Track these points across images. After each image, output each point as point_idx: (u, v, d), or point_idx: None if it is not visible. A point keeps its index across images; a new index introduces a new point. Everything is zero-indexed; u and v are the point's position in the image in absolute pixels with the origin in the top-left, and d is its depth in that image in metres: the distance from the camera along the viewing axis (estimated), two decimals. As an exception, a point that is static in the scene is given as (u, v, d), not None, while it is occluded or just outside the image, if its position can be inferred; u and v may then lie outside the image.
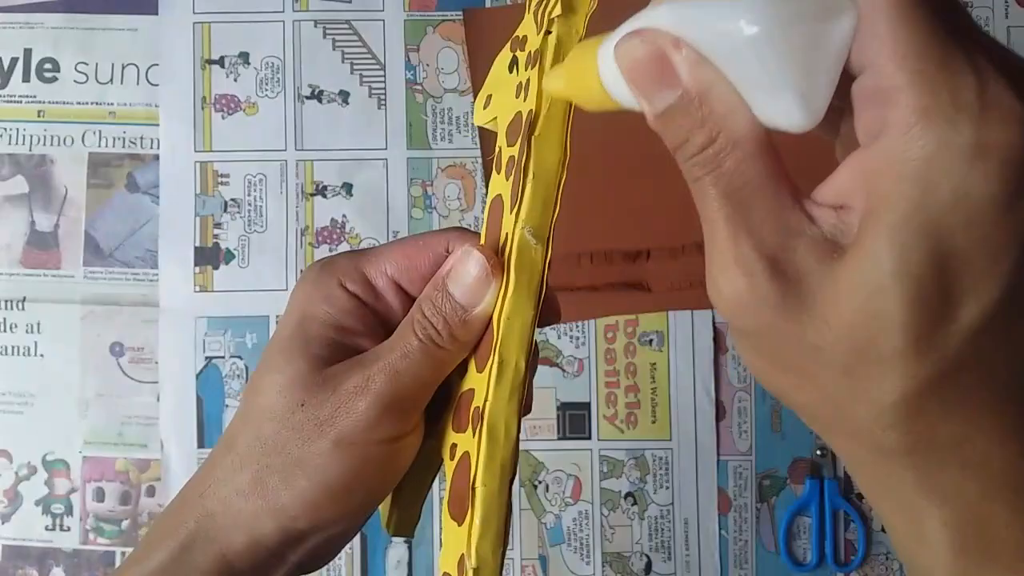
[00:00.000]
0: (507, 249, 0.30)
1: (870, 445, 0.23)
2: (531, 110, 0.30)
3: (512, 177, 0.31)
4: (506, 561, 0.60)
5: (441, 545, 0.31)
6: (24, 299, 0.61)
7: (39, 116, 0.62)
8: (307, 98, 0.62)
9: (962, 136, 0.19)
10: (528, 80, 0.30)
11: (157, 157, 0.62)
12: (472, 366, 0.32)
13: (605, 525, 0.60)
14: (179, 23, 0.62)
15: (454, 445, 0.32)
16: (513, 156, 0.31)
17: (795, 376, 0.24)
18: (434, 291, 0.31)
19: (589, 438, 0.61)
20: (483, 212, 0.33)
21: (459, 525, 0.30)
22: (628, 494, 0.61)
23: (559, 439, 0.61)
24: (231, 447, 0.32)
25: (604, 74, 0.25)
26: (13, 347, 0.61)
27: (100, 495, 0.61)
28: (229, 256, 0.62)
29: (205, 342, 0.61)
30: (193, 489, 0.33)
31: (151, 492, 0.61)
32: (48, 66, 0.63)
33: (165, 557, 0.32)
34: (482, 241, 0.32)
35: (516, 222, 0.30)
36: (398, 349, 0.31)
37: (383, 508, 0.38)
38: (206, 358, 0.61)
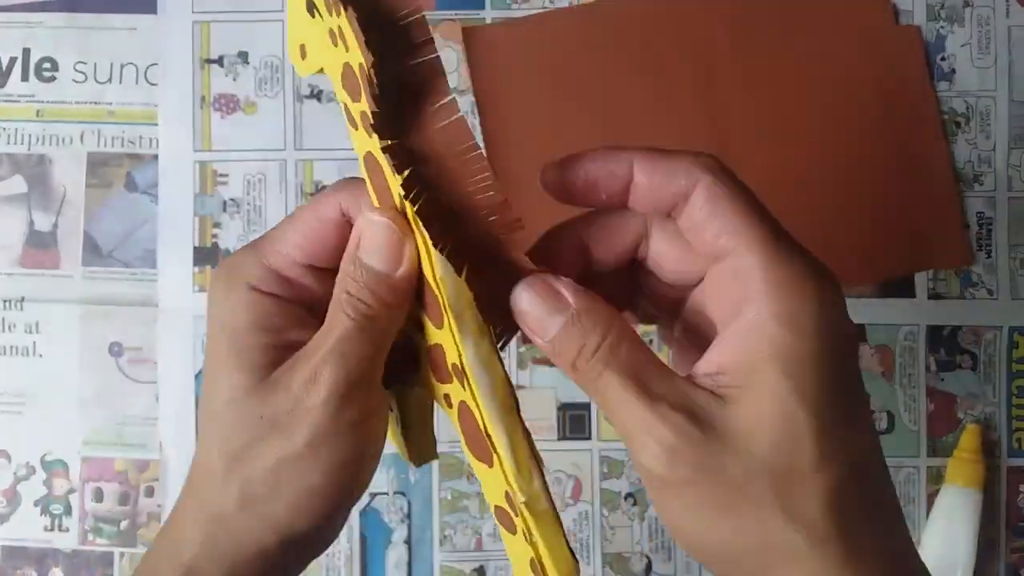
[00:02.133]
0: (403, 205, 0.29)
1: (811, 561, 0.27)
2: (361, 63, 0.27)
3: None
4: (506, 562, 0.61)
5: (480, 483, 0.32)
6: (23, 299, 0.61)
7: (38, 115, 0.62)
8: (306, 98, 0.62)
9: (810, 295, 0.28)
10: (340, 27, 0.28)
11: (156, 157, 0.62)
12: (428, 324, 0.31)
13: (605, 525, 0.60)
14: (178, 22, 0.62)
15: (447, 395, 0.32)
16: (364, 111, 0.28)
17: (723, 516, 0.28)
18: (351, 267, 0.31)
19: (589, 438, 0.61)
20: (360, 170, 0.31)
21: (489, 467, 0.30)
22: (628, 494, 0.60)
23: (559, 439, 0.61)
24: (208, 468, 0.32)
25: None
26: (11, 347, 0.61)
27: (99, 495, 0.61)
28: (228, 256, 0.62)
29: (204, 342, 0.61)
30: (183, 512, 0.33)
31: (150, 492, 0.61)
32: (47, 65, 0.62)
33: None
34: (374, 203, 0.31)
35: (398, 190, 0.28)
36: (334, 333, 0.30)
37: (399, 448, 0.37)
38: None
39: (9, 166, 0.62)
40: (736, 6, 0.62)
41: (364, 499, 0.60)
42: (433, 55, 0.28)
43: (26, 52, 0.62)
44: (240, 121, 0.62)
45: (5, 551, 0.61)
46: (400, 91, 0.28)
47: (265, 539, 0.31)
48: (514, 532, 0.31)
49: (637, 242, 0.32)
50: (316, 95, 0.62)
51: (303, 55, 0.32)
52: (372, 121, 0.28)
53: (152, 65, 0.62)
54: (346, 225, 0.32)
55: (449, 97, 0.29)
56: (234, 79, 0.62)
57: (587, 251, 0.32)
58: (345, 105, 0.30)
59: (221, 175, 0.62)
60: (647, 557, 0.60)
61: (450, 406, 0.32)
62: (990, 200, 0.61)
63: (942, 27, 0.62)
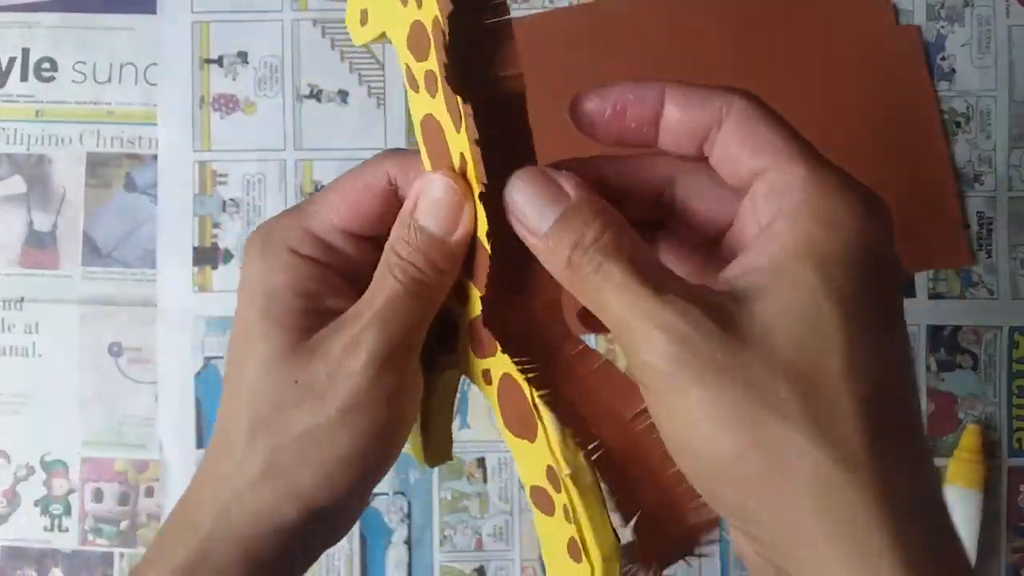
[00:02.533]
0: (467, 165, 0.28)
1: (842, 492, 0.23)
2: (435, 17, 0.27)
3: (444, 94, 0.28)
4: (506, 563, 0.61)
5: (516, 462, 0.31)
6: (22, 299, 0.61)
7: (37, 116, 0.62)
8: (306, 97, 0.62)
9: (856, 199, 0.26)
10: None
11: (155, 157, 0.62)
12: (473, 292, 0.30)
13: (605, 526, 0.60)
14: (178, 22, 0.62)
15: (486, 370, 0.31)
16: (431, 70, 0.28)
17: (740, 425, 0.23)
18: (405, 229, 0.29)
19: (589, 439, 0.60)
20: (416, 133, 0.30)
21: (531, 442, 0.29)
22: (628, 495, 0.60)
23: (559, 440, 0.60)
24: (229, 441, 0.30)
25: None
26: (11, 347, 0.61)
27: (99, 496, 0.61)
28: (228, 256, 0.61)
29: (204, 342, 0.61)
30: (198, 491, 0.31)
31: (150, 493, 0.61)
32: (46, 66, 0.62)
33: (182, 564, 0.30)
34: (428, 168, 0.30)
35: (469, 140, 0.28)
36: (380, 297, 0.29)
37: (414, 449, 0.37)
38: (205, 358, 0.61)
39: (8, 166, 0.62)
40: (736, 6, 0.62)
41: (364, 499, 0.60)
42: (507, 16, 0.28)
43: (25, 52, 0.62)
44: (239, 121, 0.62)
45: (5, 551, 0.61)
46: (473, 49, 0.28)
47: (285, 512, 0.30)
48: (552, 512, 0.29)
49: (661, 185, 0.30)
50: (315, 95, 0.62)
51: (363, 21, 0.31)
52: (444, 71, 0.27)
53: (151, 65, 0.62)
54: (391, 193, 0.31)
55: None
56: (233, 79, 0.62)
57: (606, 188, 0.29)
58: (407, 66, 0.30)
59: (220, 175, 0.62)
60: (647, 558, 0.60)
61: (488, 382, 0.31)
62: (990, 200, 0.61)
63: (942, 27, 0.62)
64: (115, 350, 0.61)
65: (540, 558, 0.60)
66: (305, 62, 0.62)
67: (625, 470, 0.29)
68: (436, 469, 0.60)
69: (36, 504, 0.61)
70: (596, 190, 0.27)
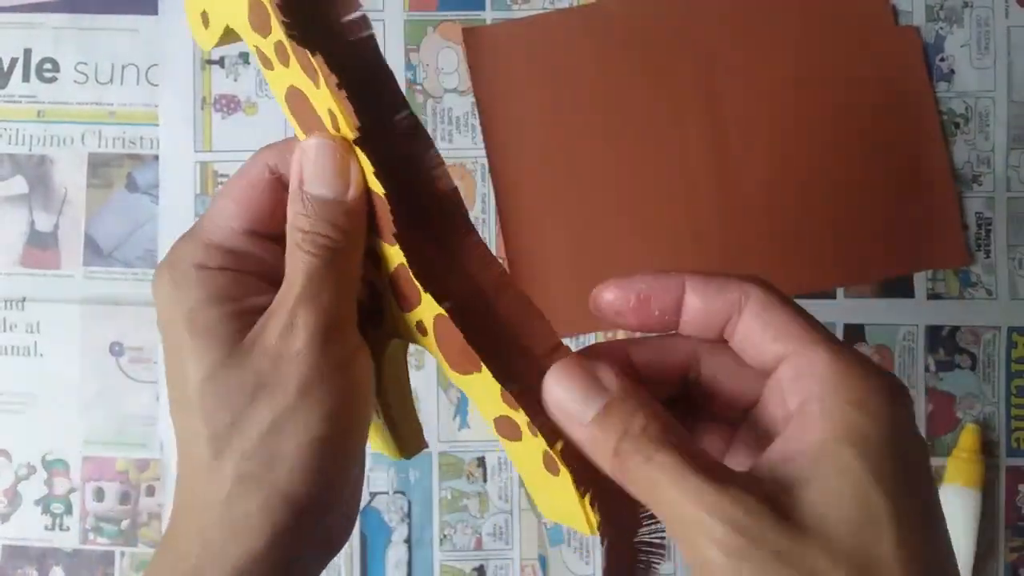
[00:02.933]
0: (338, 119, 0.29)
1: None
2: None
3: (296, 56, 0.29)
4: (505, 561, 0.61)
5: (474, 402, 0.30)
6: (24, 299, 0.61)
7: (39, 116, 0.62)
8: (307, 98, 0.62)
9: (880, 386, 0.26)
10: None
11: (157, 157, 0.62)
12: (384, 247, 0.30)
13: (604, 525, 0.60)
14: (179, 23, 0.62)
15: (419, 322, 0.31)
16: (279, 41, 0.29)
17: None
18: (300, 203, 0.29)
19: (588, 438, 0.61)
20: (284, 113, 0.31)
21: (479, 372, 0.29)
22: (627, 494, 0.60)
23: (558, 439, 0.61)
24: (194, 465, 0.29)
25: None
26: (12, 347, 0.61)
27: (100, 495, 0.61)
28: (229, 256, 0.62)
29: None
30: (179, 523, 0.30)
31: (151, 492, 0.61)
32: (48, 66, 0.63)
33: None
34: (301, 139, 0.30)
35: (331, 89, 0.28)
36: (299, 276, 0.29)
37: (384, 445, 0.36)
38: (206, 358, 0.61)
39: (10, 166, 0.62)
40: (736, 8, 0.62)
41: (364, 498, 0.60)
42: None
43: (27, 53, 0.62)
44: (241, 121, 0.62)
45: (6, 550, 0.61)
46: (309, 2, 0.29)
47: (270, 519, 0.29)
48: (519, 437, 0.29)
49: (686, 365, 0.31)
50: (316, 95, 0.62)
51: (206, 24, 0.32)
52: (285, 30, 0.28)
53: (153, 66, 0.62)
54: (277, 183, 0.31)
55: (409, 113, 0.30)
56: (235, 79, 0.62)
57: (633, 370, 0.30)
58: (257, 48, 0.30)
59: (221, 175, 0.62)
60: (646, 556, 0.60)
61: (424, 333, 0.31)
62: (989, 200, 0.61)
63: (941, 28, 0.62)
64: (116, 350, 0.61)
65: (540, 557, 0.60)
66: (306, 63, 0.62)
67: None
68: (436, 468, 0.60)
69: (37, 503, 0.61)
70: (631, 376, 0.28)
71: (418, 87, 0.62)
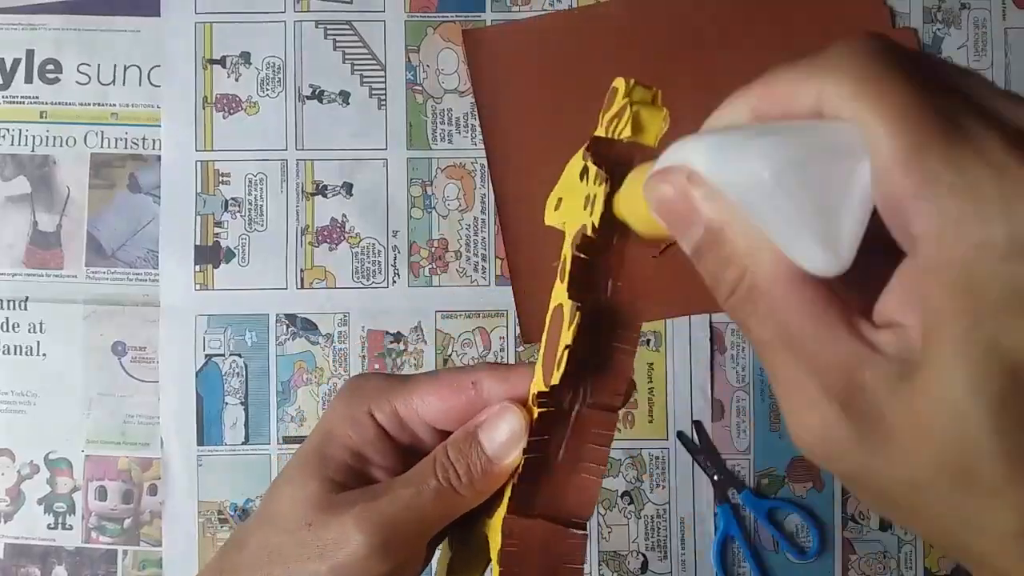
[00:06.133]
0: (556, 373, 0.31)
1: (996, 572, 0.20)
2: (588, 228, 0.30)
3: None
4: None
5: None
6: (27, 299, 0.62)
7: (41, 117, 0.63)
8: (308, 98, 0.63)
9: (996, 233, 0.18)
10: (595, 196, 0.30)
11: (159, 158, 0.62)
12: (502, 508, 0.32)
13: (602, 524, 0.61)
14: (181, 24, 0.63)
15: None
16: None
17: (904, 510, 0.21)
18: (464, 437, 0.32)
19: (587, 437, 0.61)
20: (546, 321, 0.32)
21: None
22: (625, 493, 0.61)
23: (557, 438, 0.61)
24: (242, 548, 0.33)
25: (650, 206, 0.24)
26: (16, 346, 0.62)
27: (102, 494, 0.61)
28: (230, 255, 0.62)
29: (205, 339, 0.61)
30: None
31: (153, 491, 0.61)
32: (50, 67, 0.63)
33: None
34: (541, 350, 0.32)
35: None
36: (412, 486, 0.32)
37: None
38: (206, 356, 0.61)
39: (13, 167, 0.62)
40: (735, 9, 0.62)
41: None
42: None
43: (30, 54, 0.63)
44: (242, 121, 0.63)
45: (9, 549, 0.61)
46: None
47: None
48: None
49: None
50: (317, 96, 0.62)
51: (556, 206, 0.34)
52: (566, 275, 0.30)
53: (155, 67, 0.63)
54: (472, 395, 0.34)
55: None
56: (236, 79, 0.63)
57: None
58: (564, 258, 0.32)
59: (223, 174, 0.62)
60: (643, 555, 0.61)
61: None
62: (986, 201, 0.61)
63: (939, 29, 0.62)
64: (119, 349, 0.62)
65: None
66: (307, 63, 0.63)
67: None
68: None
69: (40, 502, 0.61)
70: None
71: (418, 88, 0.62)
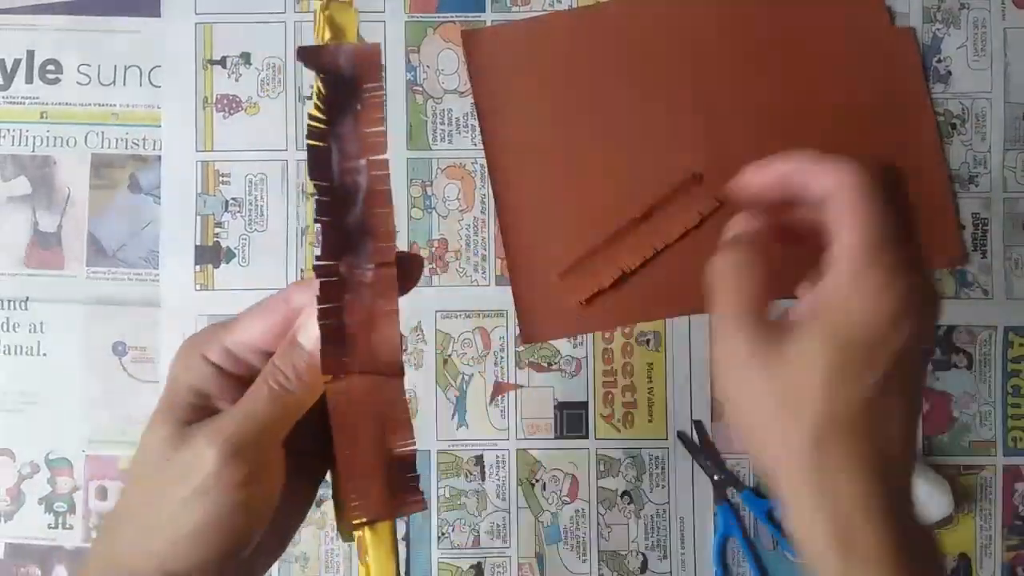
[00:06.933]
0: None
1: (793, 456, 0.33)
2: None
3: None
4: (504, 559, 0.61)
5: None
6: (27, 299, 0.62)
7: (42, 117, 0.63)
8: (308, 98, 0.63)
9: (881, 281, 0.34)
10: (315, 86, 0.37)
11: (160, 159, 0.62)
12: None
13: (602, 523, 0.61)
14: (181, 24, 0.63)
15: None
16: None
17: (753, 427, 0.35)
18: (285, 344, 0.36)
19: (586, 437, 0.61)
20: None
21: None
22: (624, 493, 0.61)
23: (556, 438, 0.61)
24: (120, 503, 0.37)
25: None
26: (16, 346, 0.62)
27: (103, 494, 0.61)
28: (230, 255, 0.62)
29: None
30: (100, 549, 0.38)
31: (153, 490, 0.61)
32: (51, 68, 0.63)
33: None
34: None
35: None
36: (247, 399, 0.35)
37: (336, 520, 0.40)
38: (207, 357, 0.61)
39: (14, 167, 0.62)
40: (734, 9, 0.62)
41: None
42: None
43: (30, 54, 0.63)
44: (242, 121, 0.63)
45: (9, 549, 0.61)
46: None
47: (146, 572, 0.34)
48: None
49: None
50: (317, 97, 0.62)
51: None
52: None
53: (155, 67, 0.63)
54: (294, 314, 0.37)
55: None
56: (236, 80, 0.63)
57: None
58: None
59: (223, 175, 0.62)
60: (643, 555, 0.61)
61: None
62: (985, 201, 0.62)
63: (938, 29, 0.62)
64: (119, 349, 0.62)
65: (537, 555, 0.60)
66: (307, 64, 0.63)
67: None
68: (435, 466, 0.61)
69: (40, 502, 0.61)
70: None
71: (418, 88, 0.62)
